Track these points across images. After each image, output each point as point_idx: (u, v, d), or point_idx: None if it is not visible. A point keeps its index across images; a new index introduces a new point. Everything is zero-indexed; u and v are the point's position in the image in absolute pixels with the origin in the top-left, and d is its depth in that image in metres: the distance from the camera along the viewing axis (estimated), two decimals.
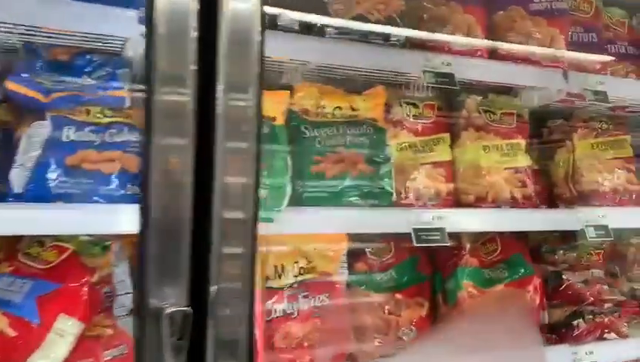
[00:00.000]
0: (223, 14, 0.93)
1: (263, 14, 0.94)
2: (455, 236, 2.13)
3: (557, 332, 2.19)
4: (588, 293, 2.30)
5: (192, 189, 0.93)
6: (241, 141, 0.94)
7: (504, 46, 1.92)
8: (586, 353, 2.05)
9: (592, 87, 2.13)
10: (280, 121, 1.68)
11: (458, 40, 1.86)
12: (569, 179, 2.47)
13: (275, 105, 1.69)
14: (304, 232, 1.69)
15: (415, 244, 1.80)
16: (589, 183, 2.38)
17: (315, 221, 1.68)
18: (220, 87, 0.93)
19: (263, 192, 1.54)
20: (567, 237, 2.45)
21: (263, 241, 1.75)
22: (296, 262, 1.85)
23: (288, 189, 1.60)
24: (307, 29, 1.67)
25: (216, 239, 0.94)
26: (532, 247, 2.53)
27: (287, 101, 1.75)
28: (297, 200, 1.71)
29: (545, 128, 2.60)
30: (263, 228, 1.60)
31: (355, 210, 1.77)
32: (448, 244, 1.83)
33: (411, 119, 2.04)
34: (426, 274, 2.17)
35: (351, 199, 1.79)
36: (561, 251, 2.54)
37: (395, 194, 1.88)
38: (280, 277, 1.82)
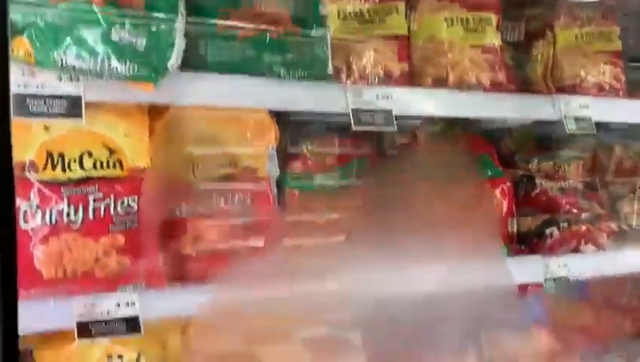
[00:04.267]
0: None
1: None
2: (408, 130, 1.78)
3: (527, 243, 1.91)
4: (564, 201, 1.99)
5: None
6: None
7: None
8: (559, 265, 1.75)
9: None
10: None
11: None
12: (547, 76, 2.16)
13: None
14: (205, 103, 1.29)
15: (353, 128, 1.44)
16: (570, 78, 2.07)
17: (222, 91, 1.29)
18: None
19: (140, 41, 1.14)
20: (544, 146, 2.19)
21: None
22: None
23: (179, 38, 1.19)
24: None
25: None
26: (504, 155, 2.24)
27: None
28: (197, 65, 1.31)
29: (521, 18, 2.27)
30: (145, 94, 1.23)
31: (276, 82, 1.38)
32: (394, 130, 1.47)
33: None
34: None
35: (271, 68, 1.39)
36: (536, 160, 2.26)
37: (331, 68, 1.49)
38: None
